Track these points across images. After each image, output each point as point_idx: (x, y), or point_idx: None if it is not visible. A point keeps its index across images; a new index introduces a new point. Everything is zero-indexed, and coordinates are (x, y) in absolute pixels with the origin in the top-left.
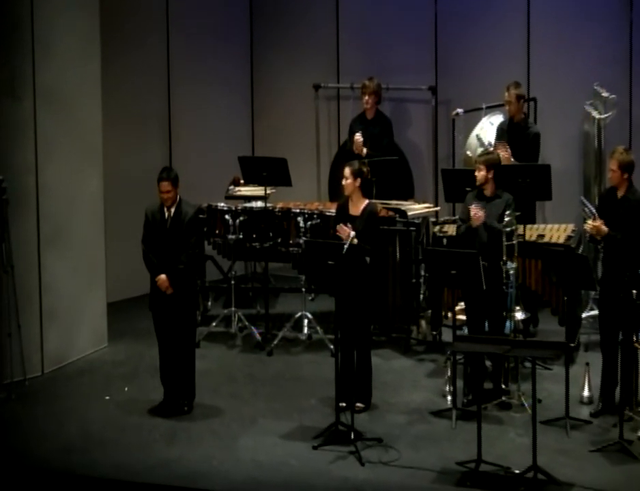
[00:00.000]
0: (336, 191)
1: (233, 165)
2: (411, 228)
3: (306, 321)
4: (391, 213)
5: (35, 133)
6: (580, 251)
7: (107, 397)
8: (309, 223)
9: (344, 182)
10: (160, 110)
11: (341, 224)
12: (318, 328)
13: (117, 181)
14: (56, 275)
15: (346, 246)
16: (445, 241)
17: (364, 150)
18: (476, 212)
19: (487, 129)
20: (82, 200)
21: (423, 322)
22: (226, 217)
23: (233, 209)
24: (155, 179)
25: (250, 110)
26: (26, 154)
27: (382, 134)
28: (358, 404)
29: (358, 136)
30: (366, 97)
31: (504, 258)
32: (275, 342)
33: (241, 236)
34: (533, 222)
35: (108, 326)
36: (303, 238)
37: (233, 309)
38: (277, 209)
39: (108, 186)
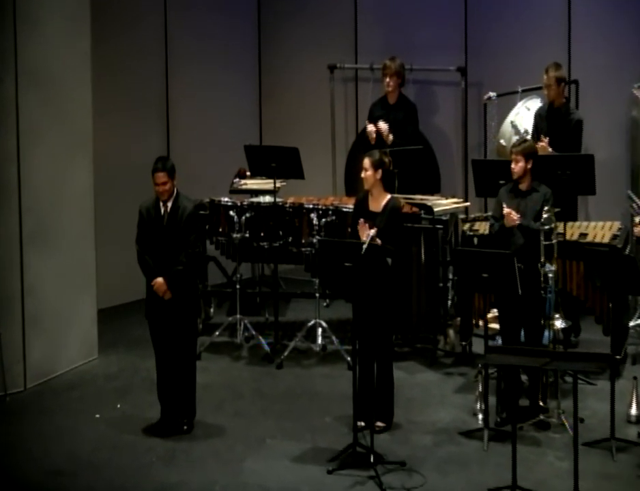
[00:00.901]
0: (353, 185)
1: (238, 155)
2: (438, 226)
3: (319, 330)
4: (415, 209)
5: (17, 117)
6: (627, 251)
7: (98, 415)
8: (323, 220)
9: (363, 174)
10: (157, 95)
11: (360, 221)
12: (333, 338)
13: (109, 173)
14: (41, 277)
15: (365, 246)
16: (475, 240)
17: (390, 136)
18: (510, 213)
19: (523, 115)
20: (70, 194)
21: (451, 332)
22: (231, 213)
23: (238, 204)
24: (150, 172)
25: (257, 94)
26: (7, 141)
27: (405, 120)
28: (378, 423)
29: (370, 127)
30: (387, 79)
31: (542, 260)
32: (285, 354)
33: (247, 234)
34: (575, 219)
35: (99, 335)
36: (317, 237)
37: (239, 316)
38: (287, 205)
39: (98, 179)
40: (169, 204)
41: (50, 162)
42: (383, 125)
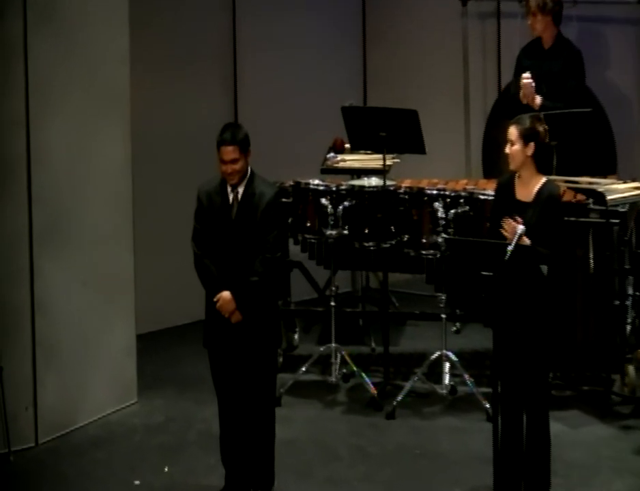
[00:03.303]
0: (495, 163)
1: (332, 121)
2: (613, 221)
3: (447, 366)
4: (581, 198)
5: (26, 69)
6: None
7: (137, 482)
8: (452, 212)
9: (508, 149)
10: (221, 41)
11: (506, 217)
12: (466, 376)
13: (152, 147)
14: (57, 290)
15: (511, 248)
16: None
17: (537, 98)
18: None
19: None
20: (99, 175)
21: (631, 369)
22: (323, 201)
23: (334, 189)
24: (212, 144)
25: (360, 38)
26: (12, 102)
27: (565, 72)
28: None
29: (527, 77)
30: (531, 20)
31: None
32: (398, 398)
33: (345, 231)
34: None
35: (139, 370)
36: (444, 235)
37: (334, 345)
38: (402, 190)
39: (138, 154)
40: (240, 190)
41: (71, 131)
42: (526, 80)
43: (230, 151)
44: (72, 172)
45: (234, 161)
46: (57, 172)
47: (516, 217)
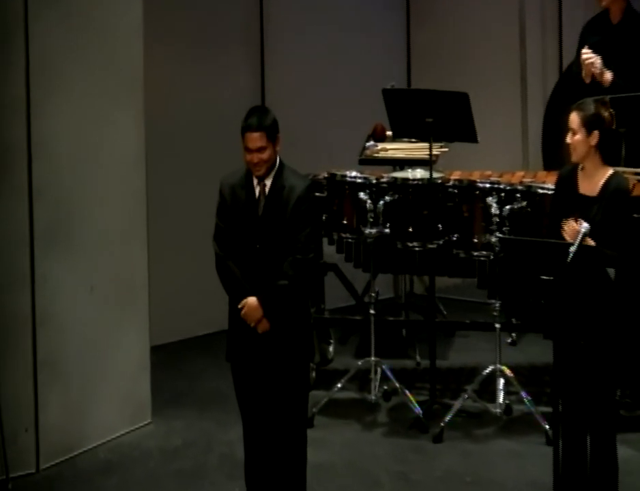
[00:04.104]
0: (555, 153)
1: (372, 105)
2: None
3: (501, 382)
4: None
5: (27, 50)
6: None
7: None
8: (508, 207)
9: (569, 138)
10: (246, 17)
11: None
12: (522, 394)
13: (170, 136)
14: (62, 298)
15: (573, 249)
16: None
17: (607, 74)
18: None
19: None
20: (108, 169)
21: None
22: (362, 196)
23: (373, 182)
24: (236, 132)
25: (404, 12)
26: (11, 84)
27: (636, 50)
28: None
29: (587, 52)
30: None
31: None
32: (447, 419)
33: (386, 230)
34: None
35: (153, 387)
36: (498, 234)
37: (373, 359)
38: (451, 183)
39: (153, 144)
40: (268, 183)
41: (78, 118)
42: (587, 55)
43: (256, 138)
44: (79, 164)
45: (260, 149)
46: (62, 164)
47: (579, 219)
